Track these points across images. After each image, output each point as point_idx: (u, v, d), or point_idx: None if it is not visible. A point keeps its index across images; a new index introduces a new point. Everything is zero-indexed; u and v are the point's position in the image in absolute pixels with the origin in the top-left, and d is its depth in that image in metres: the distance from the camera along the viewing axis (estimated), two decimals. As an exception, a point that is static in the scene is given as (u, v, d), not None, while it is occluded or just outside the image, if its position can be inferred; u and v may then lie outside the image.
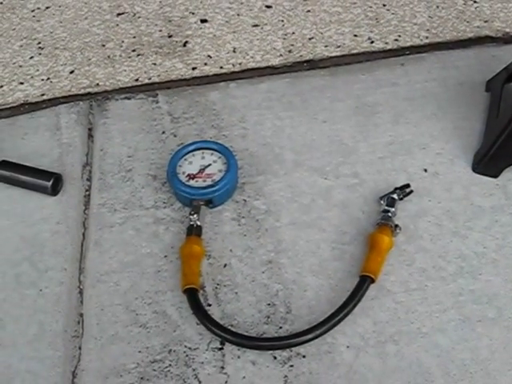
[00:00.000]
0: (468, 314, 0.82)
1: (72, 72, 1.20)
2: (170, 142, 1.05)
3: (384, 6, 1.29)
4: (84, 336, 0.84)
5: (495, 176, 0.96)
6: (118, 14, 1.32)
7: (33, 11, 1.35)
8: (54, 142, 1.06)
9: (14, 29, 1.31)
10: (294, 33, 1.25)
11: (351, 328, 0.82)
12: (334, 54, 1.19)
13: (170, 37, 1.26)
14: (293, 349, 0.81)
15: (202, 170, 0.96)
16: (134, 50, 1.24)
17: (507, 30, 1.21)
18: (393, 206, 0.91)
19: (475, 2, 1.28)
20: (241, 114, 1.09)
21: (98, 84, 1.17)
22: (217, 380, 0.79)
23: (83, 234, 0.94)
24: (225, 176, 0.95)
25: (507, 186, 0.95)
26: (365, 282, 0.84)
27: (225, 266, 0.89)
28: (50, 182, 0.97)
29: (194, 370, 0.80)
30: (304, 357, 0.80)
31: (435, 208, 0.93)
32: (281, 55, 1.20)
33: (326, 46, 1.21)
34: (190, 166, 0.97)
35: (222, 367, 0.80)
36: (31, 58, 1.24)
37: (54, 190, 0.98)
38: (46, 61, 1.23)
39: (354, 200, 0.95)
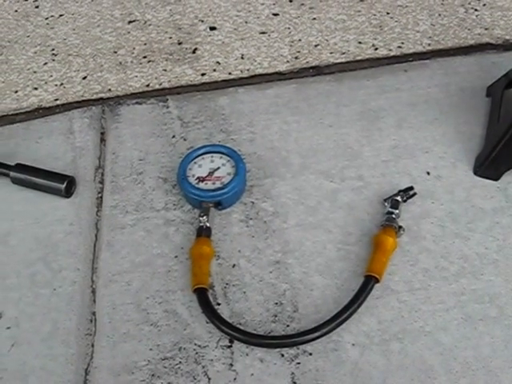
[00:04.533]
0: (470, 313, 0.83)
1: (85, 78, 1.21)
2: (180, 145, 1.06)
3: (387, 14, 1.30)
4: (96, 334, 0.84)
5: (496, 179, 0.97)
6: (130, 22, 1.33)
7: (47, 19, 1.36)
8: (67, 145, 1.07)
9: (29, 36, 1.32)
10: (300, 40, 1.25)
11: (356, 326, 0.82)
12: (339, 61, 1.20)
13: (179, 44, 1.27)
14: (300, 346, 0.81)
15: (211, 173, 0.97)
16: (144, 57, 1.25)
17: (507, 37, 1.21)
18: (397, 208, 0.91)
19: (476, 10, 1.28)
20: (249, 119, 1.09)
21: (110, 89, 1.18)
22: (226, 377, 0.79)
23: (96, 235, 0.95)
24: (233, 179, 0.95)
25: (508, 188, 0.96)
26: (369, 281, 0.84)
27: (233, 266, 0.90)
28: (64, 185, 0.97)
29: (203, 367, 0.80)
30: (311, 354, 0.80)
31: (438, 210, 0.94)
32: (287, 61, 1.21)
33: (331, 53, 1.22)
34: (199, 169, 0.98)
35: (231, 364, 0.80)
36: (45, 64, 1.25)
37: (68, 193, 0.99)
38: (60, 67, 1.24)
39: (359, 202, 0.96)
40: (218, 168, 0.98)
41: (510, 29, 1.23)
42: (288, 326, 0.83)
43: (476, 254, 0.89)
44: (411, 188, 0.95)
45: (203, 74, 1.20)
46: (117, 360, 0.82)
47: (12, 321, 0.86)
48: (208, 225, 0.92)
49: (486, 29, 1.24)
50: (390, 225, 0.90)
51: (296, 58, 1.22)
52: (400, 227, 0.90)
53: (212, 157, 1.00)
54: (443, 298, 0.85)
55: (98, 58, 1.26)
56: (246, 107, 1.12)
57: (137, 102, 1.15)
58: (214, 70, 1.21)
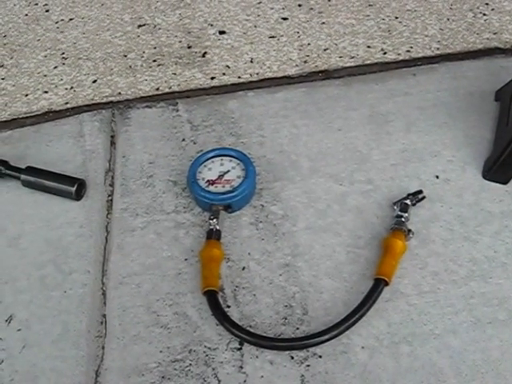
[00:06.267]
0: (479, 316, 0.83)
1: (95, 81, 1.22)
2: (190, 149, 1.07)
3: (396, 18, 1.30)
4: (107, 336, 0.84)
5: (505, 182, 0.97)
6: (139, 26, 1.34)
7: (57, 23, 1.37)
8: (77, 148, 1.08)
9: (39, 40, 1.33)
10: (309, 44, 1.26)
11: (366, 329, 0.82)
12: (348, 65, 1.20)
13: (189, 48, 1.27)
14: (309, 349, 0.81)
15: (221, 176, 0.97)
16: (154, 61, 1.26)
17: (516, 41, 1.22)
18: (406, 212, 0.92)
19: (485, 14, 1.29)
20: (258, 122, 1.10)
21: (120, 93, 1.19)
22: (236, 379, 0.79)
23: (106, 238, 0.95)
24: (243, 182, 0.96)
25: (517, 192, 0.96)
26: (379, 284, 0.84)
27: (243, 268, 0.90)
28: (74, 188, 0.98)
29: (213, 369, 0.80)
30: (320, 357, 0.80)
31: (447, 213, 0.94)
32: (297, 65, 1.21)
33: (340, 57, 1.22)
34: (209, 172, 0.98)
35: (241, 367, 0.80)
36: (55, 67, 1.26)
37: (78, 195, 0.99)
38: (70, 70, 1.25)
39: (368, 205, 0.96)
40: (228, 171, 0.98)
41: (518, 33, 1.24)
42: (298, 328, 0.84)
43: (485, 257, 0.89)
44: (420, 191, 0.95)
45: (213, 78, 1.21)
46: (127, 362, 0.82)
47: (23, 323, 0.86)
48: (218, 227, 0.92)
49: (494, 33, 1.24)
50: (399, 228, 0.90)
51: (305, 61, 1.22)
52: (409, 230, 0.90)
53: (222, 160, 1.00)
54: (452, 301, 0.85)
55: (108, 61, 1.27)
56: (255, 111, 1.12)
57: (147, 106, 1.16)
58: (224, 74, 1.22)
